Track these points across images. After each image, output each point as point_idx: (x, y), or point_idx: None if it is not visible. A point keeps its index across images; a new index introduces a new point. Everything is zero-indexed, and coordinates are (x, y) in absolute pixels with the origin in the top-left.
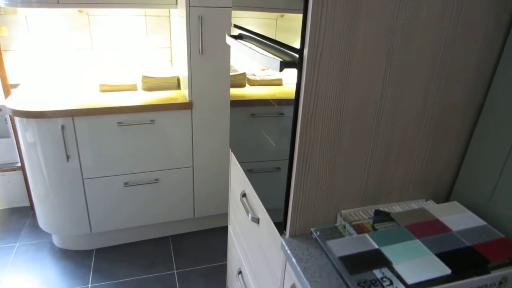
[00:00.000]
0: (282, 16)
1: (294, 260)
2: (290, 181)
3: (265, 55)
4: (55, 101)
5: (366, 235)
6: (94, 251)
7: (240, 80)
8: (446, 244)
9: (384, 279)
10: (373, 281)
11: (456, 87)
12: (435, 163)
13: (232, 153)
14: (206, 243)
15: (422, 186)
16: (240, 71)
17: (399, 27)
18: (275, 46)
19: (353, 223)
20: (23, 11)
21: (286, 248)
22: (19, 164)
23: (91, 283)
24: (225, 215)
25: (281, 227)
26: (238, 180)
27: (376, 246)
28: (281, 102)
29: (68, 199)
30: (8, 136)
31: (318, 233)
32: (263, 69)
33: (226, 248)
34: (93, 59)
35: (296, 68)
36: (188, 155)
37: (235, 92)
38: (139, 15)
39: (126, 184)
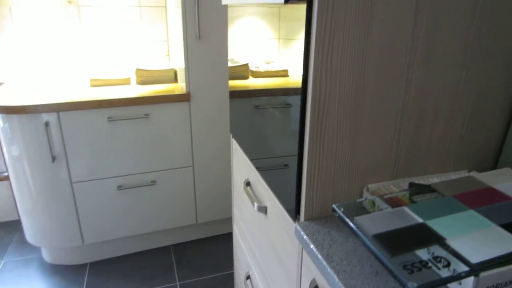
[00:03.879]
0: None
1: (312, 246)
2: (303, 147)
3: None
4: (40, 96)
5: (405, 208)
6: (88, 265)
7: (243, 72)
8: (510, 214)
9: (438, 259)
10: (423, 263)
11: (502, 20)
12: (478, 125)
13: (233, 139)
14: (211, 252)
15: (463, 154)
16: (242, 62)
17: None
18: None
19: (384, 196)
20: (7, 2)
21: (302, 233)
22: (7, 174)
23: None
24: (231, 220)
25: (293, 212)
26: (241, 167)
27: (420, 220)
28: (288, 91)
29: (56, 207)
30: None
31: (342, 210)
32: (268, 63)
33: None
34: (84, 54)
35: (304, 1)
36: (187, 153)
37: (237, 83)
38: (133, 6)
39: (119, 187)
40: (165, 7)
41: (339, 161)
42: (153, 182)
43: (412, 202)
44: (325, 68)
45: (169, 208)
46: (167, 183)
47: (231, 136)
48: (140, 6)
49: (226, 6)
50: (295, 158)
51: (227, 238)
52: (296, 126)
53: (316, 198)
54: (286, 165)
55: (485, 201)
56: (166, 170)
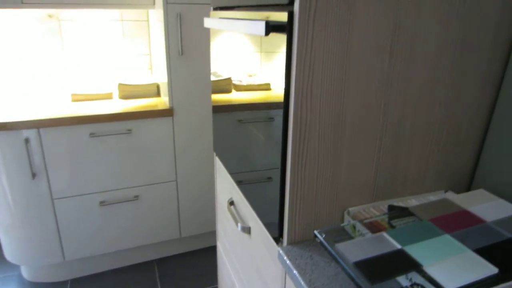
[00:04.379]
0: (268, 17)
1: (295, 272)
2: (285, 175)
3: (247, 21)
4: (20, 112)
5: (384, 233)
6: (69, 282)
7: (226, 85)
8: (483, 238)
9: (415, 287)
10: None
11: (473, 49)
12: (453, 146)
13: (216, 157)
14: (195, 266)
15: (440, 176)
16: (225, 76)
17: None
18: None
19: (365, 221)
20: None
21: (285, 257)
22: None
23: None
24: (215, 233)
25: (277, 234)
26: (225, 186)
27: (399, 246)
28: (270, 106)
29: (36, 224)
30: None
31: (324, 236)
32: (250, 75)
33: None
34: (65, 68)
35: (285, 32)
36: (170, 168)
37: (220, 97)
38: (115, 20)
39: (102, 203)
40: (147, 21)
41: (321, 185)
42: (136, 197)
43: (391, 226)
44: (305, 97)
45: (153, 222)
46: (150, 197)
47: (214, 154)
48: (122, 20)
49: None
50: (278, 171)
51: (212, 251)
52: (278, 139)
53: (299, 222)
54: (270, 178)
55: (460, 225)
56: (149, 185)
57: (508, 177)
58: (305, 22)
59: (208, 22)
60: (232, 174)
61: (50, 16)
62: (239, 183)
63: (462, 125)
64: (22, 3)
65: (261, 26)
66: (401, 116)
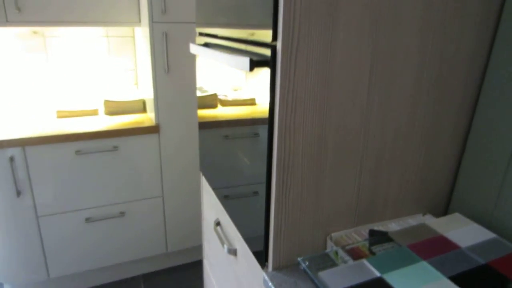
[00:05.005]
0: (253, 34)
1: None
2: (270, 203)
3: (233, 55)
4: (4, 129)
5: (364, 261)
6: None
7: (212, 101)
8: (458, 264)
9: None
10: None
11: (448, 82)
12: (430, 172)
13: (203, 177)
14: (181, 281)
15: (418, 200)
16: (211, 92)
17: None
18: (246, 49)
19: (347, 247)
20: None
21: (270, 284)
22: None
23: None
24: (201, 247)
25: (262, 258)
26: (211, 206)
27: (378, 274)
28: (256, 121)
29: (21, 241)
30: None
31: (307, 263)
32: (235, 90)
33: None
34: (51, 85)
35: (269, 67)
36: (157, 184)
37: (206, 113)
38: (101, 36)
39: (87, 220)
40: (133, 37)
41: (305, 211)
42: (122, 214)
43: (372, 253)
44: (289, 127)
45: (139, 238)
46: (137, 213)
47: (200, 174)
48: (107, 36)
49: (193, 40)
50: (264, 186)
51: (198, 265)
52: (263, 154)
53: (284, 247)
54: (256, 192)
55: (436, 251)
56: (135, 201)
57: (480, 202)
58: (288, 57)
59: (194, 49)
60: (218, 189)
61: (35, 32)
62: (225, 198)
63: (439, 151)
64: (7, 21)
65: (246, 62)
66: (381, 142)
